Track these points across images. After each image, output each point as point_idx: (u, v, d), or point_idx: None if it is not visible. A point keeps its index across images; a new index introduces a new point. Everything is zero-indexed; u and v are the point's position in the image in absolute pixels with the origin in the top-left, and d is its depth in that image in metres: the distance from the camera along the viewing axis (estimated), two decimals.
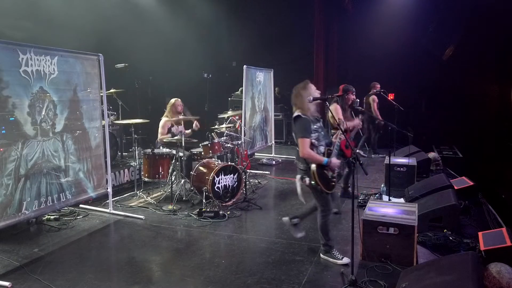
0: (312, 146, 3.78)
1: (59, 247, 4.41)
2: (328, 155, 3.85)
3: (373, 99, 8.68)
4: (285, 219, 4.38)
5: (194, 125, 6.51)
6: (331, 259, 3.96)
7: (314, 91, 3.93)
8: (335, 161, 3.83)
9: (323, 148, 3.87)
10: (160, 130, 6.41)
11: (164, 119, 6.43)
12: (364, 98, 8.75)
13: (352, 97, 5.70)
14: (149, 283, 3.64)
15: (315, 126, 3.85)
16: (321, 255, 4.04)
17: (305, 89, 3.90)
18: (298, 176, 3.98)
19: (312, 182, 3.78)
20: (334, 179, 3.90)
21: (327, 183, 3.82)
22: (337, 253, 3.98)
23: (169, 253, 4.30)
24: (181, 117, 6.45)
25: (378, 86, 8.78)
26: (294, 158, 9.99)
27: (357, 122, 5.63)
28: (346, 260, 3.88)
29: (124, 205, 5.82)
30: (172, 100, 6.49)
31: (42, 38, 6.16)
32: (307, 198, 4.22)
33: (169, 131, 6.44)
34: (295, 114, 3.88)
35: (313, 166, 3.75)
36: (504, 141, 8.44)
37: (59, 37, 6.81)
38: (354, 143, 5.74)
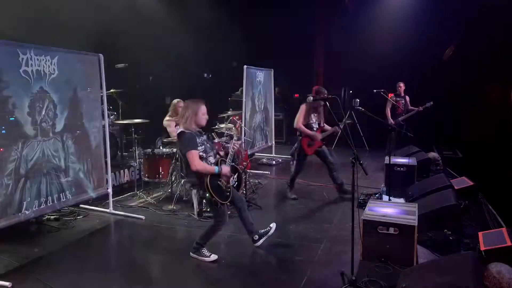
0: (201, 158, 3.82)
1: (59, 247, 4.41)
2: (221, 163, 3.94)
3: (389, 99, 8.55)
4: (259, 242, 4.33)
5: None
6: (199, 257, 4.03)
7: (203, 114, 3.93)
8: (226, 168, 3.90)
9: (212, 158, 3.95)
10: (169, 129, 6.30)
11: (168, 119, 6.38)
12: None
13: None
14: (149, 283, 3.65)
15: (200, 140, 3.89)
16: (191, 253, 4.09)
17: (194, 107, 3.90)
18: (194, 191, 4.01)
19: (207, 194, 3.82)
20: (229, 189, 3.96)
21: (222, 194, 3.88)
22: (206, 251, 4.06)
23: (169, 253, 4.30)
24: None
25: (401, 85, 8.55)
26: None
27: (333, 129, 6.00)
28: (213, 256, 4.02)
29: (124, 205, 5.82)
30: (175, 101, 6.47)
31: (42, 38, 6.15)
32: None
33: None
34: (179, 130, 3.91)
35: (206, 179, 3.78)
36: (504, 141, 8.43)
37: (59, 37, 6.81)
38: (321, 143, 6.02)
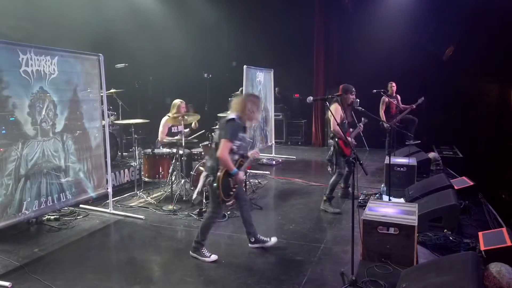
0: (231, 151, 3.85)
1: (59, 247, 4.41)
2: (239, 166, 3.99)
3: (383, 100, 8.38)
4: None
5: (193, 124, 6.51)
6: (200, 257, 4.03)
7: (259, 108, 4.04)
8: (241, 175, 3.98)
9: (237, 156, 3.98)
10: (160, 129, 6.42)
11: (165, 119, 6.43)
12: None
13: (352, 97, 5.70)
14: (149, 283, 3.64)
15: (241, 135, 3.92)
16: (191, 252, 4.09)
17: (255, 102, 3.99)
18: (204, 173, 4.03)
19: (214, 184, 3.85)
20: (234, 190, 4.02)
21: (227, 191, 3.92)
22: (206, 251, 4.05)
23: (169, 253, 4.30)
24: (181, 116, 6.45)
25: (393, 85, 8.47)
26: (294, 158, 9.98)
27: (359, 129, 5.74)
28: (214, 257, 4.02)
29: (124, 205, 5.82)
30: (177, 101, 6.45)
31: (42, 38, 6.15)
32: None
33: (170, 130, 6.44)
34: (231, 116, 3.92)
35: (221, 172, 3.82)
36: (504, 141, 8.45)
37: (59, 37, 6.82)
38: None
